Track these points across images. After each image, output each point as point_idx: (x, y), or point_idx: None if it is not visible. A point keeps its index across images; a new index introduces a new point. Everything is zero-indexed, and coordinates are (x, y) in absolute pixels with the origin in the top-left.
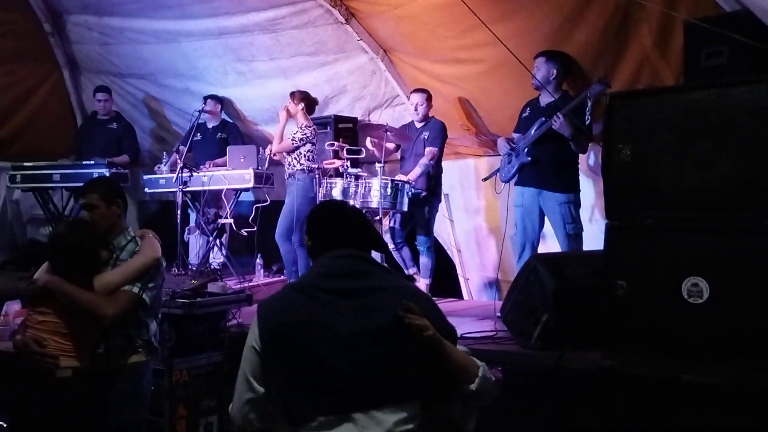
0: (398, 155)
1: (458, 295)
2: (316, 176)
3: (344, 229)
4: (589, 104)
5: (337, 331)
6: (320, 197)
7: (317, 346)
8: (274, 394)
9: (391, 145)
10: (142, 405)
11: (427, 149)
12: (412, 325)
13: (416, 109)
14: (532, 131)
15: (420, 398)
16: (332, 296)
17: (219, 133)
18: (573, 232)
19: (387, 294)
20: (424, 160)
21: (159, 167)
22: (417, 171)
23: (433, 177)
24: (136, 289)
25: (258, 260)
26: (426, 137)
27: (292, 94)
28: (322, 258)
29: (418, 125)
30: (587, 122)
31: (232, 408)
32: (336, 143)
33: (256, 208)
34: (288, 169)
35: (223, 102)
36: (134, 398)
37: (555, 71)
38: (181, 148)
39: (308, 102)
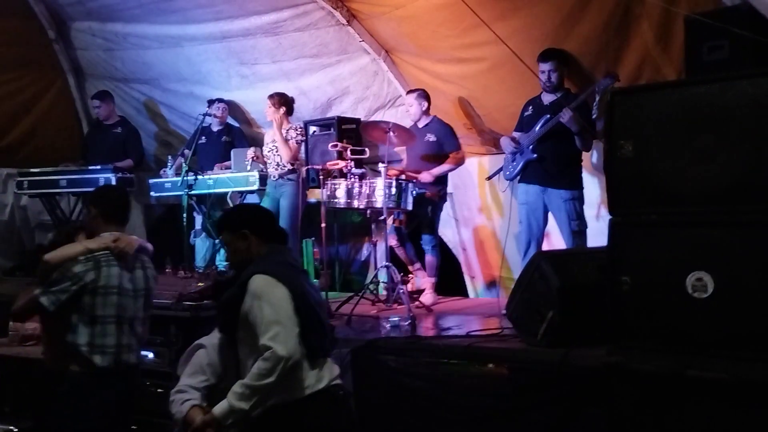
0: (402, 154)
1: (463, 294)
2: (302, 177)
3: (274, 227)
4: (597, 99)
5: (314, 297)
6: (324, 198)
7: (315, 307)
8: (301, 339)
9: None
10: (81, 417)
11: (453, 155)
12: None
13: (408, 110)
14: (537, 128)
15: None
16: (300, 273)
17: (224, 137)
18: (577, 228)
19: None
20: (451, 164)
21: (164, 171)
22: (440, 170)
23: (439, 177)
24: (37, 291)
25: None
26: (433, 141)
27: (272, 98)
28: (277, 248)
29: (420, 125)
30: (594, 117)
31: (287, 345)
32: (340, 144)
33: None
34: (276, 170)
35: (228, 105)
36: (72, 406)
37: (566, 70)
38: (186, 151)
39: (288, 105)
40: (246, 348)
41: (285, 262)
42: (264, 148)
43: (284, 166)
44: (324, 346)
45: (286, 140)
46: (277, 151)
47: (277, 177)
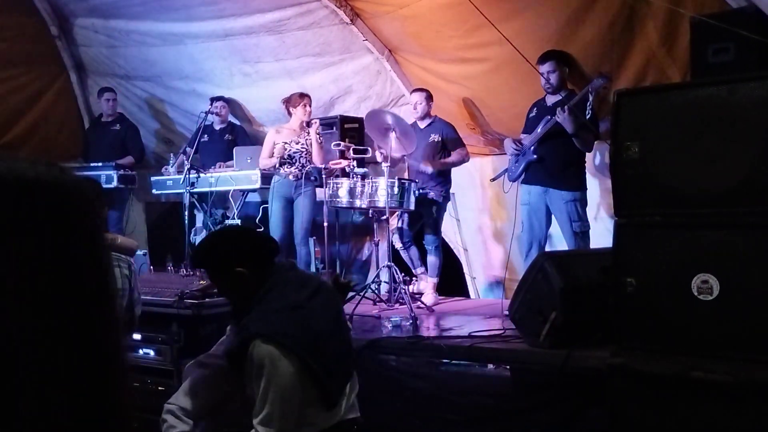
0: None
1: (465, 294)
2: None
3: (268, 248)
4: (591, 98)
5: (327, 325)
6: (326, 198)
7: (326, 343)
8: (317, 391)
9: (397, 155)
10: None
11: (458, 151)
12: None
13: (415, 108)
14: (538, 129)
15: None
16: (310, 301)
17: (226, 135)
18: (580, 230)
19: (323, 286)
20: (455, 158)
21: (166, 168)
22: (444, 163)
23: (441, 176)
24: None
25: None
26: (438, 141)
27: (309, 97)
28: (279, 275)
29: (422, 125)
30: (588, 116)
31: (280, 430)
32: (342, 143)
33: (263, 208)
34: (301, 170)
35: (230, 103)
36: None
37: (567, 70)
38: (188, 149)
39: None
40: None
41: (289, 305)
42: (286, 146)
43: (309, 169)
44: (341, 388)
45: (319, 143)
46: (306, 153)
47: (301, 177)
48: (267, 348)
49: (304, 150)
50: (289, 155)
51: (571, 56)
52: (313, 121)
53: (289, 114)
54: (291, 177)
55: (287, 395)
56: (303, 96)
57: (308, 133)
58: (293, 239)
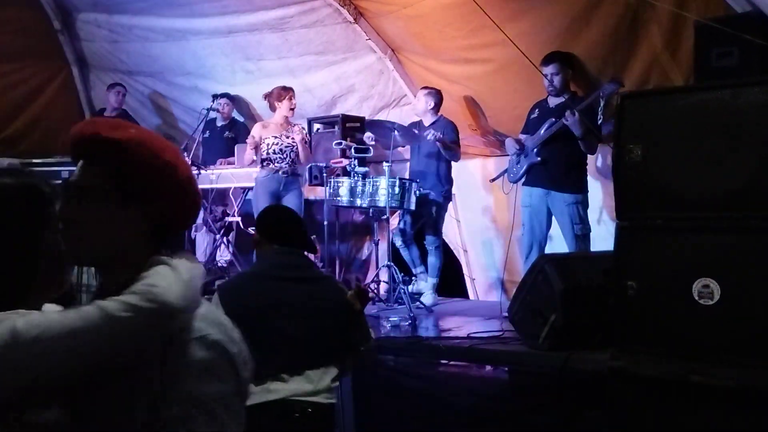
0: (406, 155)
1: (464, 295)
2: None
3: (292, 231)
4: (602, 104)
5: (294, 307)
6: (327, 196)
7: (279, 320)
8: None
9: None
10: None
11: (454, 148)
12: (354, 305)
13: (414, 105)
14: (542, 131)
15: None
16: (287, 282)
17: (227, 132)
18: (581, 232)
19: (322, 283)
20: (457, 150)
21: None
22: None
23: (443, 177)
24: None
25: None
26: (439, 138)
27: (292, 90)
28: (269, 252)
29: (426, 124)
30: (599, 122)
31: None
32: (344, 142)
33: None
34: (289, 167)
35: (234, 100)
36: None
37: (571, 72)
38: (190, 145)
39: None
40: None
41: (254, 273)
42: (276, 141)
43: (295, 162)
44: (277, 368)
45: (304, 141)
46: (294, 149)
47: (290, 174)
48: (214, 297)
49: (294, 144)
50: (279, 149)
51: (576, 58)
52: (296, 126)
53: (272, 109)
54: (281, 173)
55: None
56: (287, 89)
57: (294, 130)
58: None
